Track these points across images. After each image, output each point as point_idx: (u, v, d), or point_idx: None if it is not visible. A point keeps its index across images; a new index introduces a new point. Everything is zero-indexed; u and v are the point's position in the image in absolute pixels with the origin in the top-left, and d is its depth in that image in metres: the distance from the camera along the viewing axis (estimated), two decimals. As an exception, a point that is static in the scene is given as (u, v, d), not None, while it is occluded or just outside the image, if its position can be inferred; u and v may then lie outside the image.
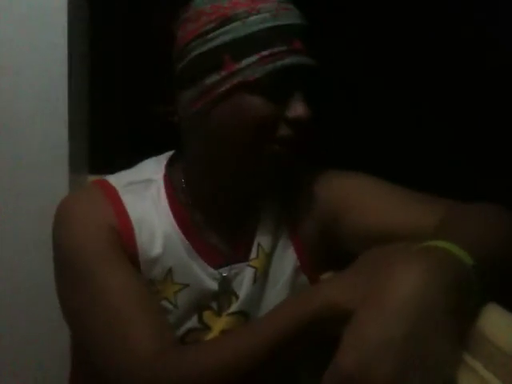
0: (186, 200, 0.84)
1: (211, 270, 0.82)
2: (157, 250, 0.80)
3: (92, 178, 1.15)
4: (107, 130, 1.29)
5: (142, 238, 0.79)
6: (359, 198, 0.84)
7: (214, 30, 0.75)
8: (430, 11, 1.69)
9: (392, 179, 0.86)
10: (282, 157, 0.78)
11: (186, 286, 0.81)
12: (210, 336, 0.81)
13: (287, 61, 0.75)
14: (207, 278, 0.82)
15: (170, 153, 0.90)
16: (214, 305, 0.83)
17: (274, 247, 0.86)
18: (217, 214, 0.85)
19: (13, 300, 1.16)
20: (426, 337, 0.52)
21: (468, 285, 0.57)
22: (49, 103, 1.11)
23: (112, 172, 0.89)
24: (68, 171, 1.12)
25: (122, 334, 0.71)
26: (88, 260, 0.75)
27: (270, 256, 0.85)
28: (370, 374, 0.50)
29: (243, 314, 0.83)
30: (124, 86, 1.33)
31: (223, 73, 0.75)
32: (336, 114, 1.57)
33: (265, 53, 0.74)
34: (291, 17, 0.77)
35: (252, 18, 0.75)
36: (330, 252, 0.88)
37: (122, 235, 0.78)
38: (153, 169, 0.86)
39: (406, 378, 0.50)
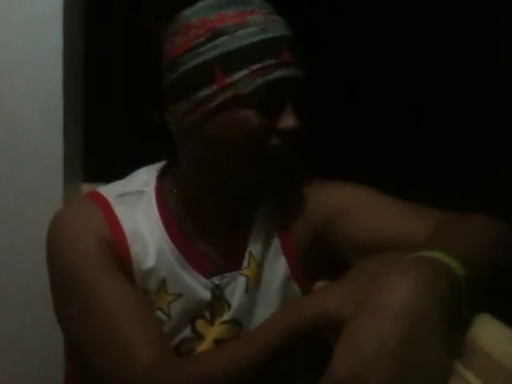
0: (177, 211, 0.85)
1: (203, 279, 0.83)
2: (150, 261, 0.80)
3: (86, 185, 1.16)
4: (102, 138, 1.29)
5: (135, 249, 0.80)
6: (352, 207, 0.84)
7: (203, 44, 0.76)
8: (430, 11, 1.68)
9: (391, 180, 0.86)
10: (275, 167, 0.79)
11: (180, 296, 0.81)
12: (203, 345, 0.82)
13: (277, 74, 0.76)
14: (200, 287, 0.83)
15: (161, 164, 0.90)
16: (207, 314, 0.83)
17: (265, 256, 0.86)
18: (208, 225, 0.85)
19: (5, 306, 1.16)
20: (420, 345, 0.52)
21: (459, 295, 0.57)
22: (43, 111, 1.10)
23: (106, 179, 0.89)
24: (62, 179, 1.11)
25: (121, 345, 0.72)
26: (84, 272, 0.76)
27: (261, 265, 0.86)
28: (364, 383, 0.50)
29: (236, 323, 0.83)
30: (119, 93, 1.33)
31: (214, 87, 0.76)
32: (336, 116, 1.57)
33: (255, 67, 0.75)
34: (279, 28, 0.78)
35: (241, 32, 0.76)
36: (322, 261, 0.88)
37: (116, 247, 0.79)
38: (144, 180, 0.86)
39: None
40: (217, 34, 0.76)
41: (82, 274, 0.76)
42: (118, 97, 1.33)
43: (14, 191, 1.12)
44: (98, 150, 1.24)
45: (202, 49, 0.76)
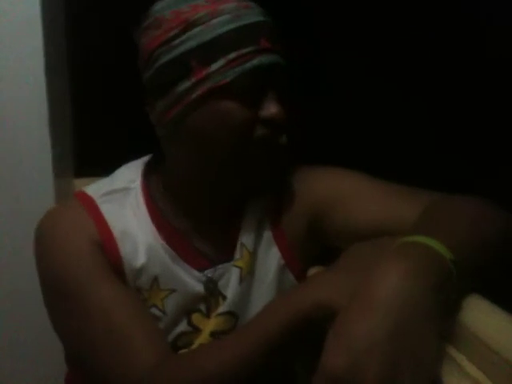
0: (165, 206, 0.84)
1: (196, 272, 0.82)
2: (141, 259, 0.79)
3: (77, 181, 1.15)
4: (91, 132, 1.29)
5: (125, 248, 0.79)
6: (344, 193, 0.84)
7: (177, 36, 0.75)
8: (428, 9, 1.68)
9: (389, 176, 0.85)
10: (264, 156, 0.77)
11: (173, 291, 0.81)
12: (201, 338, 0.81)
13: (255, 61, 0.74)
14: (193, 281, 0.82)
15: (146, 158, 0.89)
16: (202, 307, 0.83)
17: (257, 247, 0.86)
18: (198, 218, 0.85)
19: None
20: (412, 335, 0.52)
21: (448, 280, 0.57)
22: (29, 108, 1.10)
23: (97, 174, 0.88)
24: (52, 175, 1.11)
25: (120, 349, 0.71)
26: (79, 277, 0.75)
27: (254, 255, 0.85)
28: (358, 376, 0.50)
29: (232, 314, 0.83)
30: (109, 86, 1.33)
31: (193, 79, 0.74)
32: (332, 111, 1.56)
33: (232, 55, 0.74)
34: (254, 15, 0.77)
35: (214, 21, 0.74)
36: (316, 249, 0.88)
37: (106, 248, 0.78)
38: (129, 176, 0.85)
39: (395, 378, 0.50)
40: (190, 24, 0.74)
41: (77, 280, 0.74)
42: (108, 90, 1.33)
43: (4, 189, 1.12)
44: (88, 145, 1.24)
45: (177, 41, 0.75)
